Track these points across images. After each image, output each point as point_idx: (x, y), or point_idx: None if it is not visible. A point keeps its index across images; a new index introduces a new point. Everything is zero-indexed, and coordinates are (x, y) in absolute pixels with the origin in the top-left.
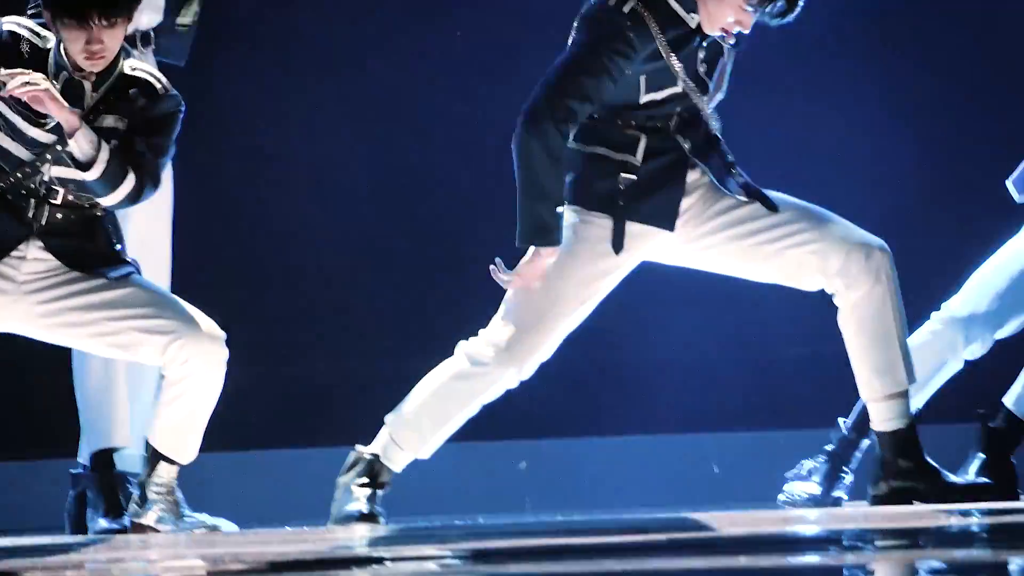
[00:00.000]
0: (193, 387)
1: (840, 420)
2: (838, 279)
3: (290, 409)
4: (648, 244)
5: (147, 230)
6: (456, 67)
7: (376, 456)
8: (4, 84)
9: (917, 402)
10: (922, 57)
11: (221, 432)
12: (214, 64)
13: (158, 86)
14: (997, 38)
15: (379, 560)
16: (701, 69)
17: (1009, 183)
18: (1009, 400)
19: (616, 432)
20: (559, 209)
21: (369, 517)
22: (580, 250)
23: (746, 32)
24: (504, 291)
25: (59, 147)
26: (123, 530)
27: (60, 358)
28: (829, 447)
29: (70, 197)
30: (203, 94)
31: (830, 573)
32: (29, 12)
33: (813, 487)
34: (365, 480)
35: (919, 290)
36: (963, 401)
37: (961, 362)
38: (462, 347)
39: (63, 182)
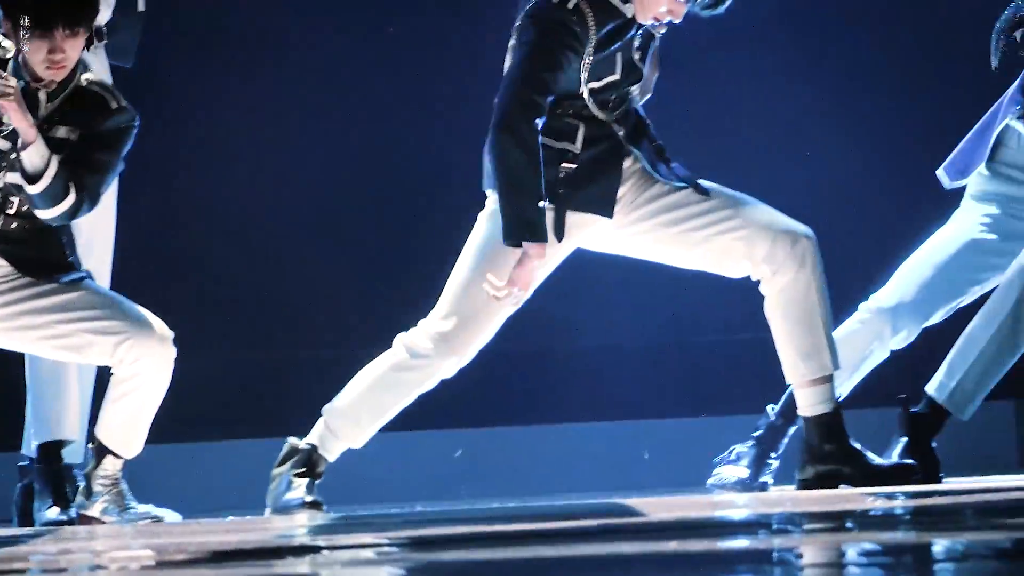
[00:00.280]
0: (141, 385)
1: (768, 407)
2: (764, 265)
3: (229, 401)
4: (585, 231)
5: (89, 233)
6: (408, 57)
7: (313, 446)
8: None
9: (843, 389)
10: (854, 44)
11: (164, 424)
12: (159, 54)
13: (112, 101)
14: (930, 27)
15: (318, 549)
16: (635, 57)
17: (940, 171)
18: (931, 387)
19: (548, 420)
20: (541, 204)
21: (313, 505)
22: None
23: (677, 22)
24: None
25: (12, 155)
26: (70, 521)
27: (5, 352)
28: (757, 433)
29: (25, 207)
30: (150, 82)
31: (759, 556)
32: None
33: (742, 471)
34: (302, 470)
35: (850, 278)
36: (887, 387)
37: (887, 351)
38: (401, 339)
39: (16, 190)
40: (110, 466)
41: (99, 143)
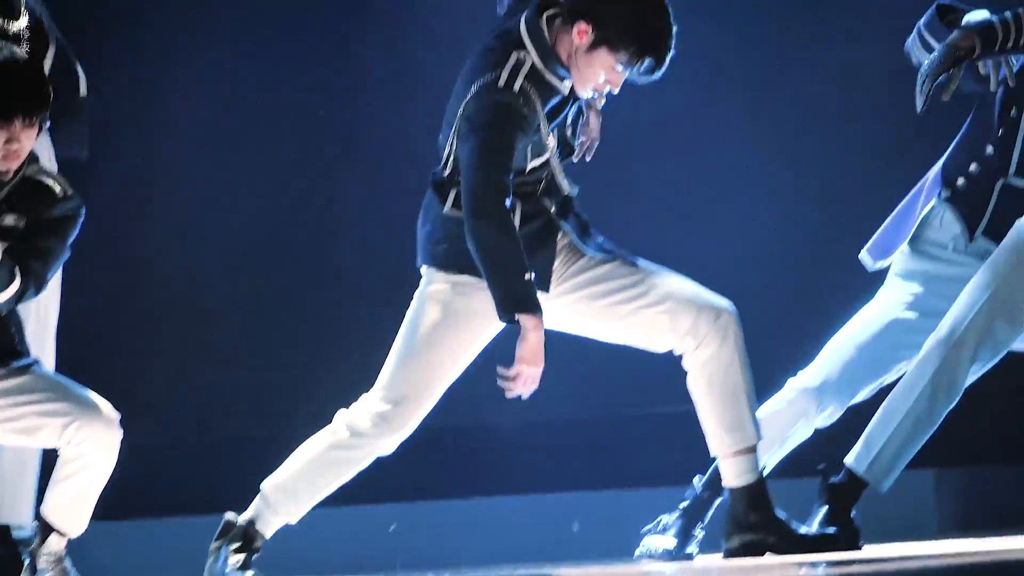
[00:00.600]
0: (87, 465)
1: (695, 478)
2: (688, 338)
3: (171, 478)
4: None
5: (35, 315)
6: (345, 77)
7: (251, 521)
8: None
9: (767, 464)
10: (781, 120)
11: (107, 501)
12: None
13: (58, 189)
14: (857, 100)
15: None
16: (568, 132)
17: (863, 254)
18: (850, 458)
19: (481, 493)
20: (527, 276)
21: None
22: (461, 318)
23: (616, 92)
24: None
25: None
26: None
27: None
28: (683, 504)
29: None
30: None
31: None
32: None
33: (669, 541)
34: (239, 544)
35: (777, 353)
36: (806, 457)
37: (812, 429)
38: (341, 416)
39: None
40: (55, 544)
41: (45, 230)
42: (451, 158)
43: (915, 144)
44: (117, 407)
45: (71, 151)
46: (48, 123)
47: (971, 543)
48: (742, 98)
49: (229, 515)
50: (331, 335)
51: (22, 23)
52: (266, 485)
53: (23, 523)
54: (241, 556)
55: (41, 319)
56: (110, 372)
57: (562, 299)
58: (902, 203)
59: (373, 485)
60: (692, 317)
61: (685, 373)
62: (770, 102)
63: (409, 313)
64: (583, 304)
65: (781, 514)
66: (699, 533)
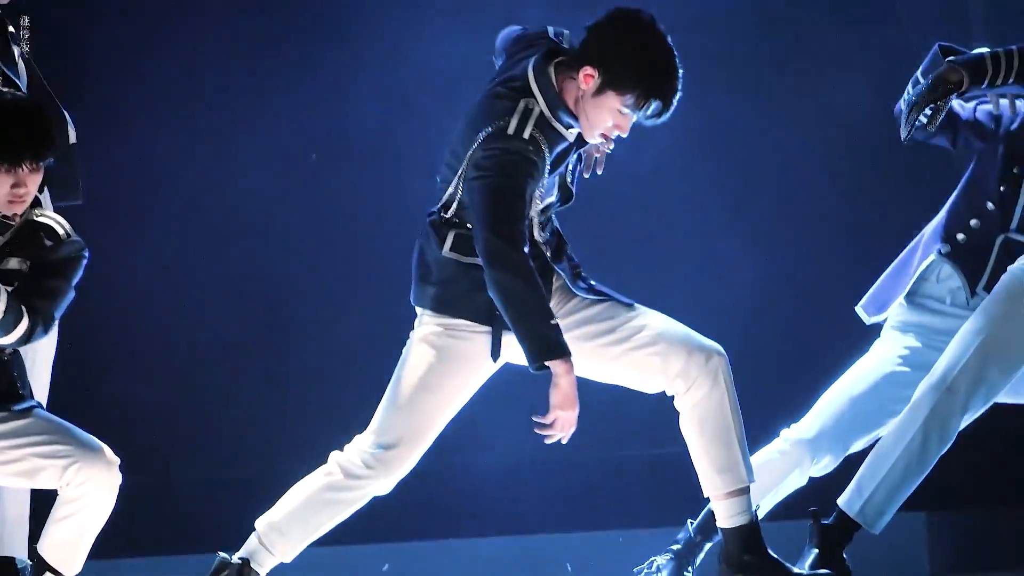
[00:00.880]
0: (86, 507)
1: (688, 521)
2: (679, 380)
3: (163, 517)
4: (515, 348)
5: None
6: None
7: (245, 560)
8: None
9: (760, 510)
10: (780, 166)
11: (100, 540)
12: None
13: (61, 231)
14: (858, 148)
15: None
16: (569, 179)
17: (859, 308)
18: (842, 500)
19: (475, 534)
20: (553, 322)
21: None
22: (456, 361)
23: (624, 136)
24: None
25: None
26: None
27: None
28: (675, 546)
29: None
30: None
31: None
32: None
33: None
34: None
35: (771, 403)
36: (799, 499)
37: (806, 479)
38: (336, 458)
39: None
40: None
41: (50, 271)
42: (454, 202)
43: (911, 195)
44: (110, 444)
45: (66, 198)
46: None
47: None
48: (738, 142)
49: (222, 555)
50: (324, 373)
51: (20, 68)
52: (260, 524)
53: (22, 556)
54: None
55: (39, 363)
56: (103, 410)
57: None
58: (898, 258)
59: (367, 524)
60: (683, 359)
61: (678, 414)
62: (770, 147)
63: (403, 356)
64: (575, 345)
65: (775, 555)
66: (690, 575)
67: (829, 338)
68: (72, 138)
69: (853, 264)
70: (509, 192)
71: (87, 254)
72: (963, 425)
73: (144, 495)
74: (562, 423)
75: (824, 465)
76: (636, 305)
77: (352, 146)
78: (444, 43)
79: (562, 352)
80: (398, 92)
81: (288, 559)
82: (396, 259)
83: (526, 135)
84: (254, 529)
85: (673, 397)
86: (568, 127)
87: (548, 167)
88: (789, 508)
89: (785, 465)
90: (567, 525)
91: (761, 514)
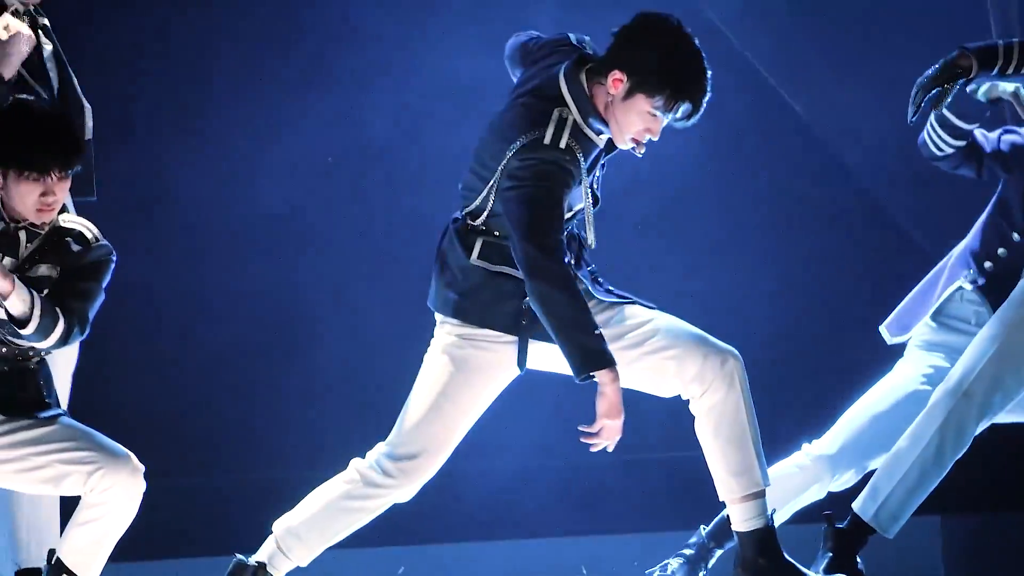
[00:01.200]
0: (108, 513)
1: (701, 527)
2: (695, 384)
3: (181, 520)
4: (538, 355)
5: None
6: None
7: (262, 564)
8: None
9: (777, 518)
10: (807, 184)
11: (119, 543)
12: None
13: (90, 235)
14: (878, 169)
15: None
16: (595, 186)
17: (882, 328)
18: (857, 505)
19: (490, 537)
20: (597, 332)
21: None
22: (477, 370)
23: (655, 139)
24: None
25: None
26: None
27: None
28: (687, 551)
29: (3, 350)
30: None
31: None
32: None
33: None
34: None
35: (793, 417)
36: (814, 503)
37: (824, 493)
38: (357, 466)
39: (4, 334)
40: None
41: (81, 274)
42: (484, 211)
43: (934, 216)
44: (128, 446)
45: (80, 193)
46: None
47: None
48: (768, 154)
49: (239, 557)
50: (342, 376)
51: (48, 49)
52: (278, 528)
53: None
54: None
55: (59, 370)
56: (119, 413)
57: None
58: (924, 279)
59: (382, 528)
60: (699, 363)
61: (693, 418)
62: (801, 161)
63: (424, 364)
64: None
65: (789, 559)
66: None
67: (847, 349)
68: (89, 133)
69: (880, 280)
70: (547, 202)
71: (115, 257)
72: (978, 431)
73: (161, 498)
74: (608, 431)
75: (844, 481)
76: (653, 309)
77: (367, 150)
78: (456, 50)
79: (608, 362)
80: (411, 98)
81: (304, 563)
82: (413, 263)
83: (562, 144)
84: (271, 533)
85: (688, 401)
86: (599, 133)
87: (583, 176)
88: (804, 512)
89: (804, 480)
90: (581, 529)
91: (778, 523)
